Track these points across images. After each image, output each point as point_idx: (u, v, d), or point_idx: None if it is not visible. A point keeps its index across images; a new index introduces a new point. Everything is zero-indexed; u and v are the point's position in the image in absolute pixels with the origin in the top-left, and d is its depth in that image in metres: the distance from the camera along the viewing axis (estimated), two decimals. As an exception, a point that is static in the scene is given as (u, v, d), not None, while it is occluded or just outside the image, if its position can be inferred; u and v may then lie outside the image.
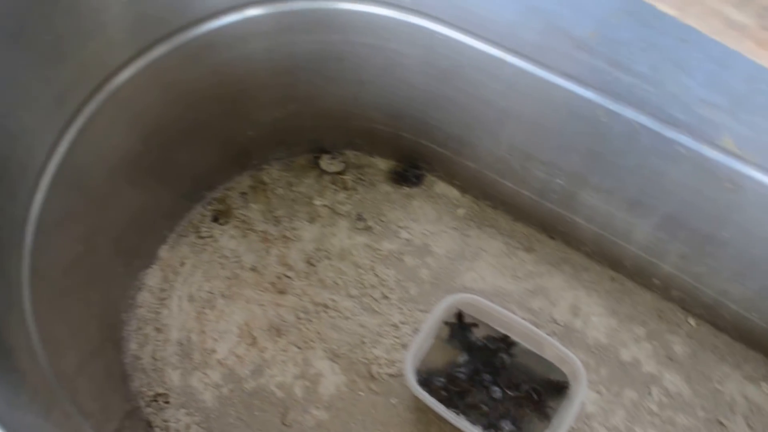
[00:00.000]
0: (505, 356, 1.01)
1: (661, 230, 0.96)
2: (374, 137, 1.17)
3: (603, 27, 0.75)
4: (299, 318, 1.05)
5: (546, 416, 0.97)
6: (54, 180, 0.79)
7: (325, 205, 1.16)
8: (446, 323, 1.03)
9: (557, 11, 0.77)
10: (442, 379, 0.98)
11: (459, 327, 1.03)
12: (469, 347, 1.02)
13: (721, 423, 0.99)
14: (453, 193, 1.19)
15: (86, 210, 0.87)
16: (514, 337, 1.01)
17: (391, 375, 1.02)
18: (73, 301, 0.87)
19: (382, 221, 1.15)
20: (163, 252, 1.10)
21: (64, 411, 0.76)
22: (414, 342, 0.96)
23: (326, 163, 1.19)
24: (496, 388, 0.97)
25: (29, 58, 0.72)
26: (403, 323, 1.06)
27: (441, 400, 0.92)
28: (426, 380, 0.98)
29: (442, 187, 1.19)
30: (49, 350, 0.77)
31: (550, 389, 0.98)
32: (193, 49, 0.90)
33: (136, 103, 0.88)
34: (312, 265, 1.10)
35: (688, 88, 0.75)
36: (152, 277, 1.07)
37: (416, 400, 0.98)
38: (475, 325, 1.03)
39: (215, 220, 1.13)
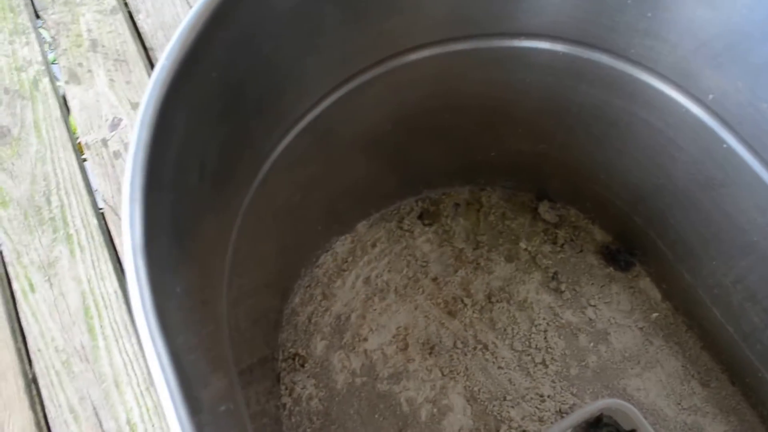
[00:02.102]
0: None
1: None
2: (604, 207, 1.12)
3: None
4: (456, 346, 1.03)
5: None
6: (306, 128, 0.80)
7: (527, 250, 1.13)
8: (590, 424, 0.98)
9: None
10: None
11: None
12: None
13: None
14: (655, 294, 1.12)
15: (317, 165, 0.88)
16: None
17: (516, 442, 0.98)
18: (268, 239, 0.89)
19: (575, 290, 1.10)
20: (362, 227, 1.10)
21: (216, 327, 0.77)
22: (556, 426, 0.92)
23: (544, 209, 1.15)
24: None
25: (338, 13, 0.72)
26: (549, 397, 1.01)
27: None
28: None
29: (646, 284, 1.13)
30: (232, 276, 0.78)
31: None
32: (483, 56, 0.89)
33: (405, 88, 0.88)
34: (491, 302, 1.07)
35: None
36: (342, 246, 1.08)
37: (532, 480, 0.95)
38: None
39: (421, 217, 1.12)
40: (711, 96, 0.84)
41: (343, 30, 0.75)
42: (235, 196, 0.72)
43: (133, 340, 1.04)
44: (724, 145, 0.85)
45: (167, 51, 0.55)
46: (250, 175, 0.74)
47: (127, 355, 1.03)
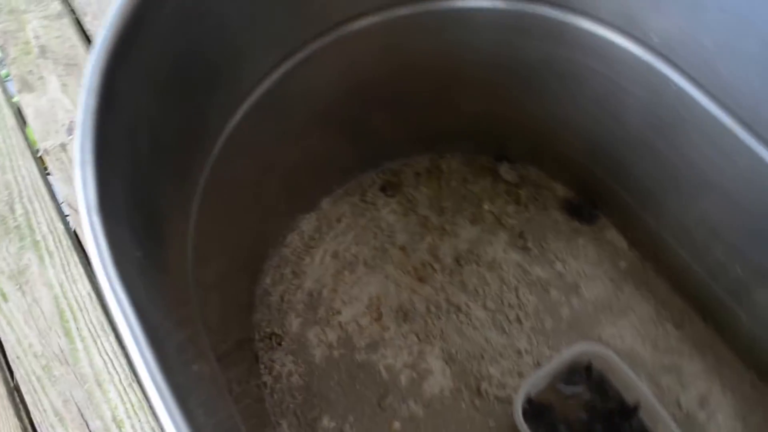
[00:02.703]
0: (620, 421, 0.96)
1: (830, 359, 0.89)
2: (563, 162, 1.13)
3: None
4: (429, 311, 1.04)
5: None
6: (256, 102, 0.80)
7: (491, 212, 1.14)
8: (571, 371, 1.00)
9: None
10: (547, 421, 0.95)
11: (583, 377, 1.00)
12: (586, 400, 0.98)
13: None
14: (622, 243, 1.14)
15: (273, 140, 0.89)
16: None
17: (497, 398, 0.99)
18: (232, 221, 0.89)
19: (542, 246, 1.12)
20: (326, 203, 1.11)
21: (191, 316, 0.78)
22: (534, 375, 0.93)
23: (504, 169, 1.17)
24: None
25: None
26: (527, 352, 1.03)
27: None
28: (531, 416, 0.95)
29: (612, 234, 1.15)
30: (198, 259, 0.78)
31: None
32: (427, 22, 0.89)
33: (355, 55, 0.89)
34: (459, 264, 1.09)
35: None
36: (307, 223, 1.08)
37: (513, 431, 0.96)
38: (601, 378, 0.99)
39: (383, 189, 1.13)
40: (655, 38, 0.85)
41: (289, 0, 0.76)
42: (191, 169, 0.72)
43: (111, 339, 1.04)
44: (673, 86, 0.86)
45: (107, 22, 0.56)
46: (205, 149, 0.75)
47: (107, 354, 1.03)
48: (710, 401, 1.02)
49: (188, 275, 0.76)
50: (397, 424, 0.97)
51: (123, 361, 1.03)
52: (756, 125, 0.79)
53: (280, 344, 1.00)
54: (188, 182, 0.72)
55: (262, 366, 0.99)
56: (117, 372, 1.01)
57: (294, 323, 1.02)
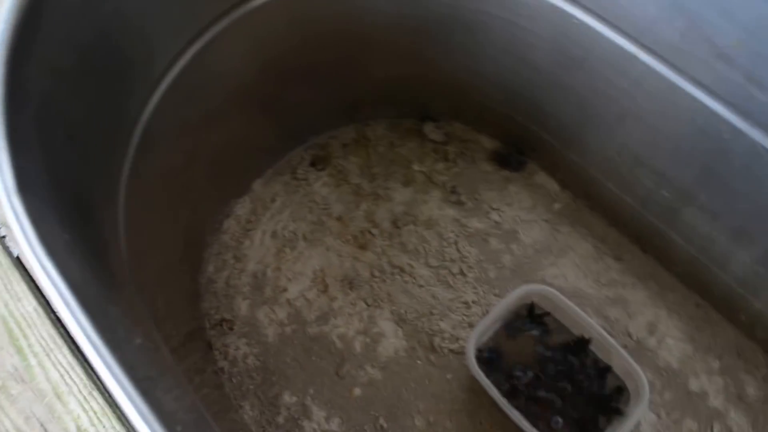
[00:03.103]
0: (572, 357, 0.98)
1: (761, 264, 0.92)
2: (485, 114, 1.15)
3: (749, 37, 0.71)
4: (374, 276, 1.06)
5: (602, 424, 0.94)
6: (170, 88, 0.80)
7: (422, 172, 1.16)
8: (518, 315, 1.02)
9: (703, 13, 0.73)
10: (501, 366, 0.97)
11: (529, 319, 1.01)
12: (537, 340, 1.00)
13: (780, 475, 0.96)
14: (553, 186, 1.16)
15: (194, 125, 0.89)
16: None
17: (452, 351, 1.01)
18: (163, 210, 0.89)
19: (476, 199, 1.14)
20: (257, 185, 1.11)
21: (141, 315, 0.78)
22: (481, 323, 0.95)
23: (429, 129, 1.18)
24: (557, 384, 0.95)
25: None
26: (474, 303, 1.05)
27: (495, 385, 0.91)
28: (485, 362, 0.96)
29: (542, 178, 1.17)
30: (133, 253, 0.78)
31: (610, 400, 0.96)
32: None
33: (262, 32, 0.89)
34: (397, 227, 1.10)
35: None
36: (242, 207, 1.09)
37: (471, 380, 0.97)
38: (546, 315, 1.01)
39: (313, 164, 1.14)
40: (552, -24, 0.87)
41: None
42: (112, 158, 0.72)
43: (65, 350, 1.02)
44: (575, 21, 0.89)
45: (3, 16, 0.56)
46: (124, 138, 0.75)
47: (62, 367, 1.02)
48: (658, 326, 1.05)
49: (125, 267, 0.77)
50: (357, 390, 0.98)
51: (80, 370, 1.02)
52: (658, 49, 0.82)
53: (231, 329, 1.00)
54: (110, 172, 0.72)
55: (216, 352, 0.99)
56: (75, 382, 1.00)
57: (242, 306, 1.02)
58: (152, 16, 0.74)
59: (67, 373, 1.02)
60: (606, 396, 0.95)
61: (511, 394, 0.93)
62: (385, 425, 0.96)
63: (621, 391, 0.95)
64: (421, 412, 0.97)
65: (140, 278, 0.80)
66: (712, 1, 0.72)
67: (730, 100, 0.79)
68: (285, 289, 1.03)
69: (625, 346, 1.03)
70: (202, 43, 0.82)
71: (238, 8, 0.84)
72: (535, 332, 1.01)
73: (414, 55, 1.05)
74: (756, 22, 0.69)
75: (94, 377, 0.55)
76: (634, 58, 0.85)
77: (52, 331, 1.05)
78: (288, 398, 0.98)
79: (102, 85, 0.70)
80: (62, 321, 0.59)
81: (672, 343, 1.04)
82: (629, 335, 1.04)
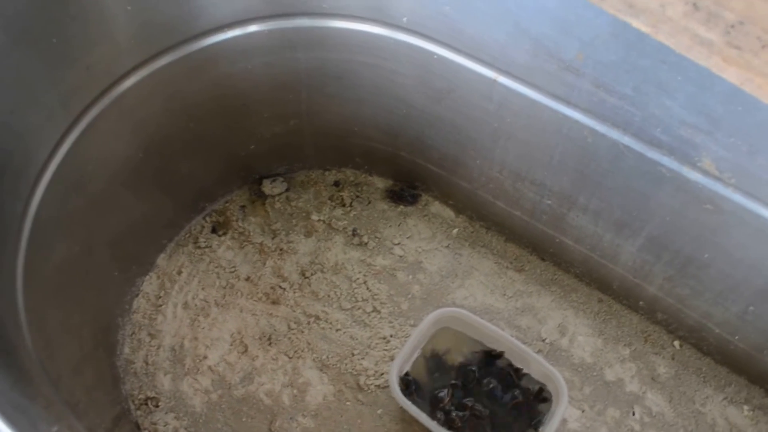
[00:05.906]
0: (490, 367, 1.02)
1: (646, 252, 0.98)
2: (373, 156, 1.20)
3: (589, 49, 0.77)
4: (291, 328, 1.07)
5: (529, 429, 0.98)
6: (54, 179, 0.81)
7: (322, 220, 1.19)
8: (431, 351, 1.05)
9: (545, 33, 0.79)
10: (426, 391, 0.99)
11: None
12: (454, 364, 1.03)
13: (702, 444, 1.01)
14: (448, 213, 1.21)
15: (84, 212, 0.90)
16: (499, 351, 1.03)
17: (378, 386, 1.03)
18: (66, 301, 0.89)
19: (377, 237, 1.17)
20: (162, 260, 1.12)
21: (61, 411, 0.78)
22: (400, 354, 0.98)
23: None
24: (480, 400, 0.99)
25: (36, 59, 0.75)
26: (393, 336, 1.08)
27: (425, 411, 0.93)
28: (411, 391, 0.99)
29: (437, 207, 1.22)
30: (41, 349, 0.78)
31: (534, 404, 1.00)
32: (196, 61, 0.93)
33: (138, 111, 0.91)
34: (306, 277, 1.12)
35: (669, 110, 0.77)
36: (149, 284, 1.09)
37: (402, 411, 1.00)
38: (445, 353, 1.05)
39: (214, 231, 1.16)
40: (405, 18, 0.92)
41: (51, 73, 0.78)
42: (2, 259, 0.73)
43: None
44: (435, 56, 0.94)
45: None
46: (13, 236, 0.75)
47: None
48: (568, 327, 1.10)
49: (35, 365, 0.77)
50: (292, 443, 1.00)
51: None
52: (513, 70, 0.88)
53: (157, 406, 1.00)
54: (2, 272, 0.73)
55: (146, 432, 0.99)
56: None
57: (165, 381, 1.03)
58: (20, 113, 0.75)
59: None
60: (528, 402, 0.99)
61: (439, 416, 0.96)
62: (325, 471, 0.98)
63: (542, 392, 0.99)
64: (358, 451, 0.99)
65: (55, 372, 0.81)
66: (550, 21, 0.78)
67: (586, 107, 0.85)
68: (205, 357, 1.04)
69: (540, 352, 1.07)
70: (79, 131, 0.83)
71: (109, 92, 0.86)
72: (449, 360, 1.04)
73: (293, 109, 1.09)
74: (591, 33, 0.75)
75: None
76: (493, 82, 0.91)
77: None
78: (225, 464, 0.99)
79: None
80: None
81: (583, 339, 1.08)
82: (542, 340, 1.08)
